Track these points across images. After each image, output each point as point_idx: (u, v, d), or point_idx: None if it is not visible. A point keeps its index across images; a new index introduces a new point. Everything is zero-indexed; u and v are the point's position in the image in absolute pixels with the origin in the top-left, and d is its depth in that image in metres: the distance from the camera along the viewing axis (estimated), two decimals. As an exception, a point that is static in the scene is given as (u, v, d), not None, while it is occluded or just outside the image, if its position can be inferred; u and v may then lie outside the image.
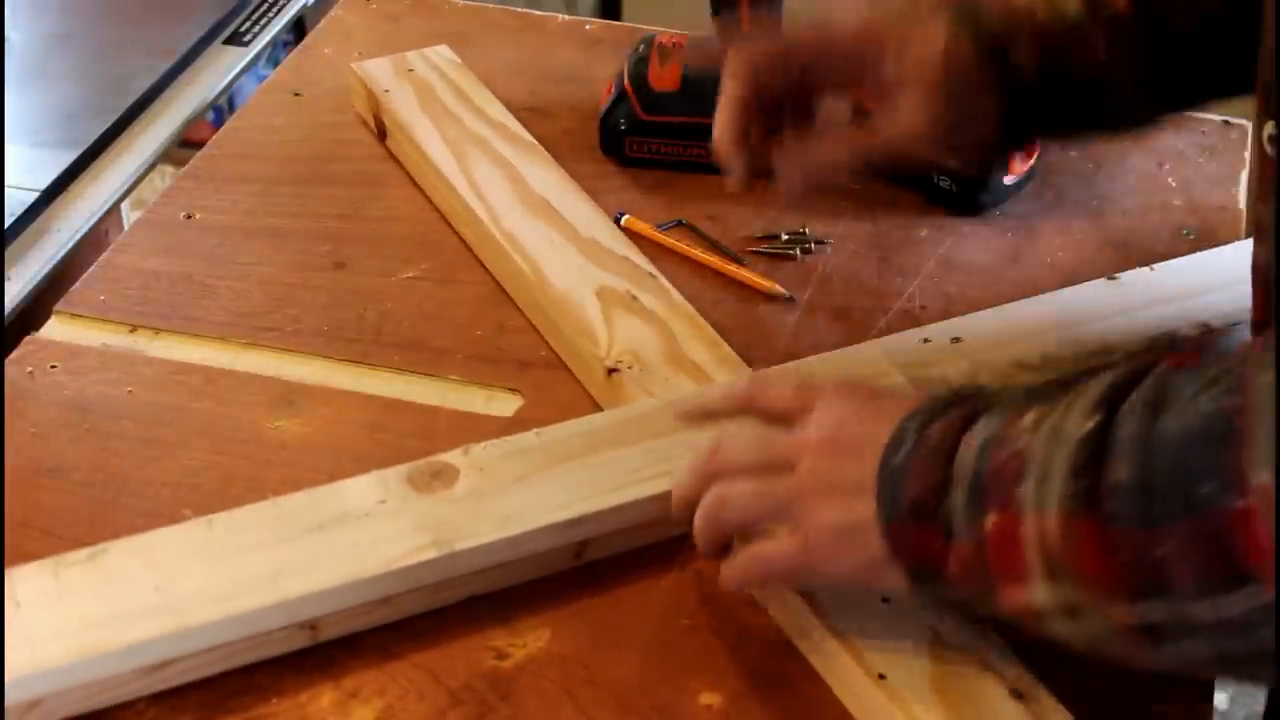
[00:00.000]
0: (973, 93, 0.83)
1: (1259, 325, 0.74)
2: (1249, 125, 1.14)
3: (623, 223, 1.08)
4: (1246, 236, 0.75)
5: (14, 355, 0.97)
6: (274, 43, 1.36)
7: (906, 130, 0.83)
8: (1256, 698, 1.86)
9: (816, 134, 0.86)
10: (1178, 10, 0.83)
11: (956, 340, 0.93)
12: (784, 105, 0.86)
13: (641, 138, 1.14)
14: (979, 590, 0.68)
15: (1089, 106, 0.85)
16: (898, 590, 0.73)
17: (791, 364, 0.92)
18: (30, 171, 1.14)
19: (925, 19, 0.83)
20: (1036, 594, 0.66)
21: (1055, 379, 0.70)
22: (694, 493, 0.77)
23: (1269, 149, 0.69)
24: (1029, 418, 0.67)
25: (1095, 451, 0.63)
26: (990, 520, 0.66)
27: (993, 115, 0.83)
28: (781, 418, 0.77)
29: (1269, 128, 0.69)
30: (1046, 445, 0.65)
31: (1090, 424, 0.63)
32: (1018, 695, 0.73)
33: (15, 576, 0.76)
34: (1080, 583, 0.64)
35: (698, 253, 1.06)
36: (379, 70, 1.18)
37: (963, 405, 0.71)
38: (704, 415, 0.83)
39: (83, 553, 0.77)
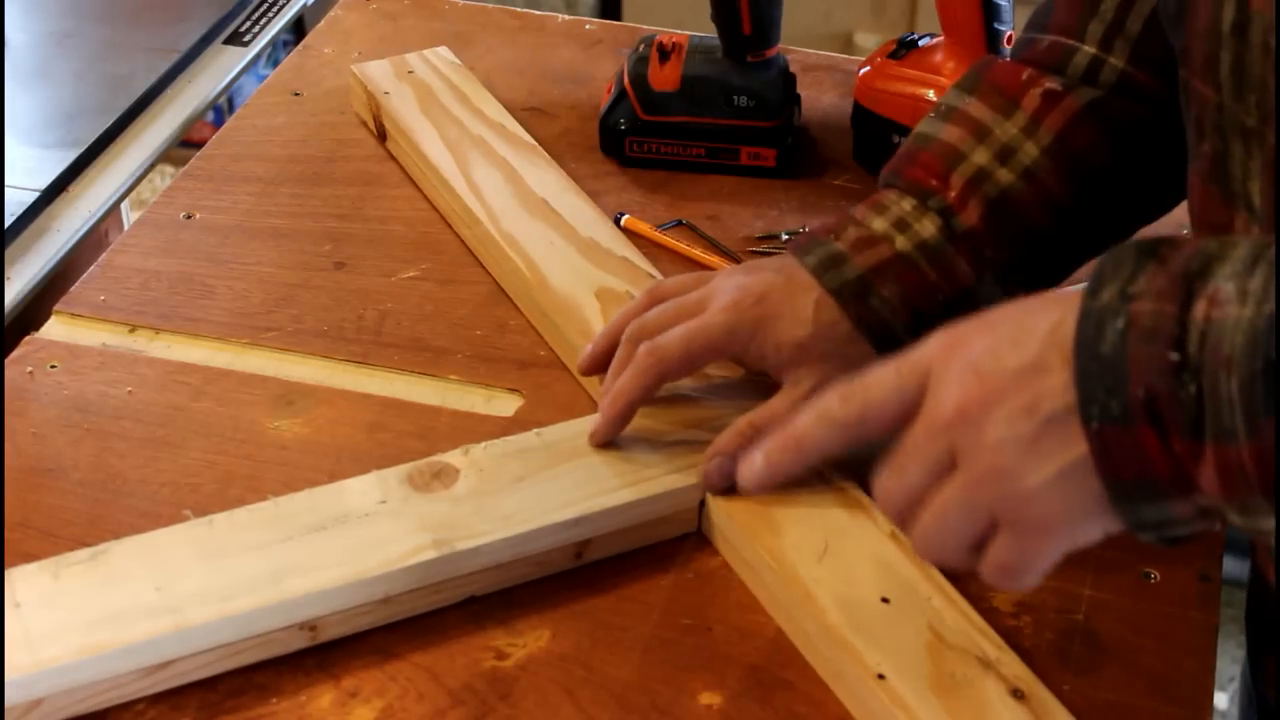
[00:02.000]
0: (850, 348, 0.84)
1: None
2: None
3: (623, 223, 1.08)
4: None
5: (14, 355, 0.97)
6: (274, 43, 1.36)
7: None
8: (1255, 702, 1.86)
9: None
10: (1030, 209, 0.85)
11: (956, 340, 0.93)
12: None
13: (641, 138, 1.14)
14: (1242, 499, 0.59)
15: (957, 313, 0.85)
16: (1086, 515, 0.64)
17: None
18: (30, 171, 1.14)
19: (790, 291, 0.84)
20: None
21: (1269, 246, 0.59)
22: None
23: None
24: None
25: None
26: None
27: (867, 349, 0.84)
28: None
29: None
30: None
31: None
32: (1018, 695, 0.73)
33: (15, 576, 0.76)
34: None
35: (698, 253, 1.06)
36: (379, 72, 1.18)
37: (1164, 259, 0.61)
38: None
39: (83, 553, 0.77)
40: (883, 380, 0.69)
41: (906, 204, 0.86)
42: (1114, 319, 0.60)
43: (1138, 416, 0.59)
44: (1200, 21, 0.69)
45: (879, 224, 0.86)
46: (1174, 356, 0.58)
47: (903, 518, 0.69)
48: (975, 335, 0.66)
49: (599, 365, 0.88)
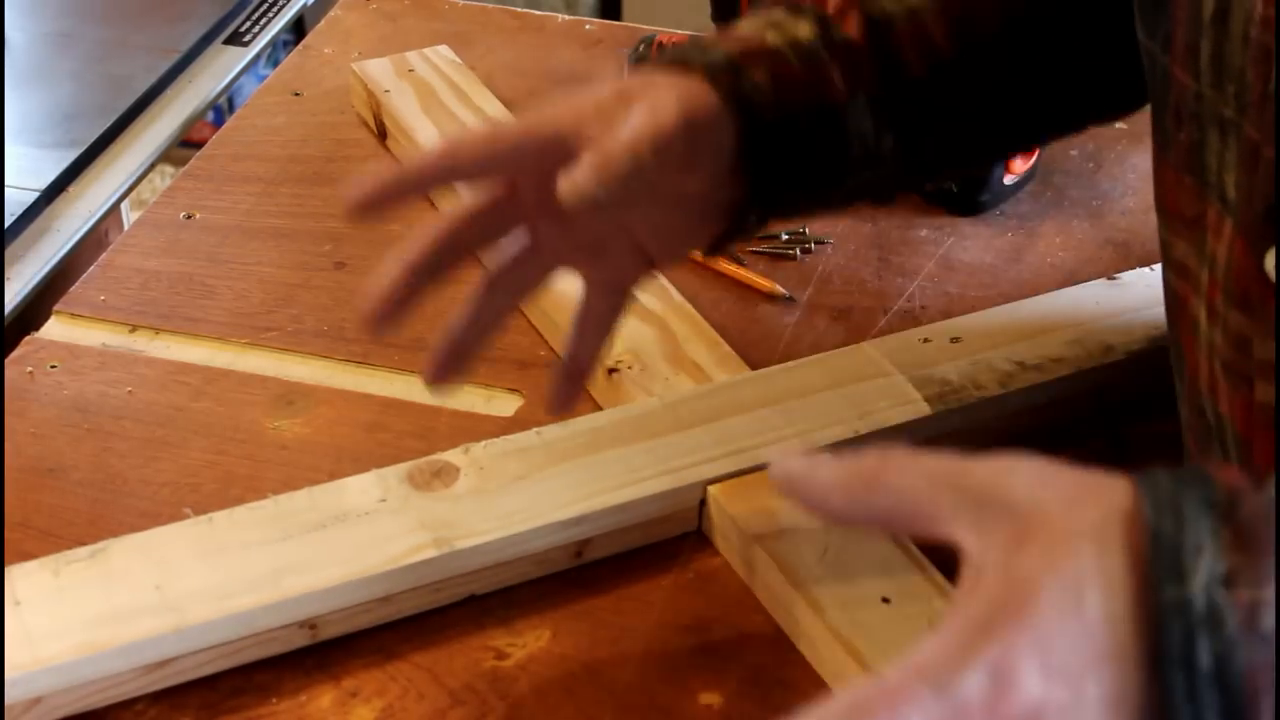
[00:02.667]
0: (703, 93, 0.75)
1: (1263, 470, 0.65)
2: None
3: (623, 223, 1.08)
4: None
5: (14, 355, 0.97)
6: (274, 43, 1.36)
7: (638, 125, 0.72)
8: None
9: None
10: (907, 49, 0.80)
11: (956, 340, 0.93)
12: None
13: (641, 138, 1.14)
14: None
15: (831, 143, 0.79)
16: None
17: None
18: (30, 171, 1.15)
19: (649, 78, 0.75)
20: None
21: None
22: None
23: (1273, 277, 0.64)
24: None
25: None
26: None
27: (727, 121, 0.75)
28: None
29: (1273, 255, 0.63)
30: None
31: None
32: (1018, 695, 0.73)
33: (15, 574, 0.76)
34: None
35: (697, 253, 1.06)
36: (379, 71, 1.18)
37: (1236, 537, 0.48)
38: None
39: (83, 551, 0.77)
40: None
41: (777, 11, 0.79)
42: (1213, 628, 0.46)
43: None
44: (1182, 9, 0.68)
45: (747, 26, 0.78)
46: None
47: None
48: (1055, 619, 0.50)
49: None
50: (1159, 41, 0.70)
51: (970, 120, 0.84)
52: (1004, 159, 0.86)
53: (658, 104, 0.73)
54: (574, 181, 0.70)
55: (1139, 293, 0.98)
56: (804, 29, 0.78)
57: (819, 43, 0.78)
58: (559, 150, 0.73)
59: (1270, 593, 0.47)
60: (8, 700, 0.71)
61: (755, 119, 0.76)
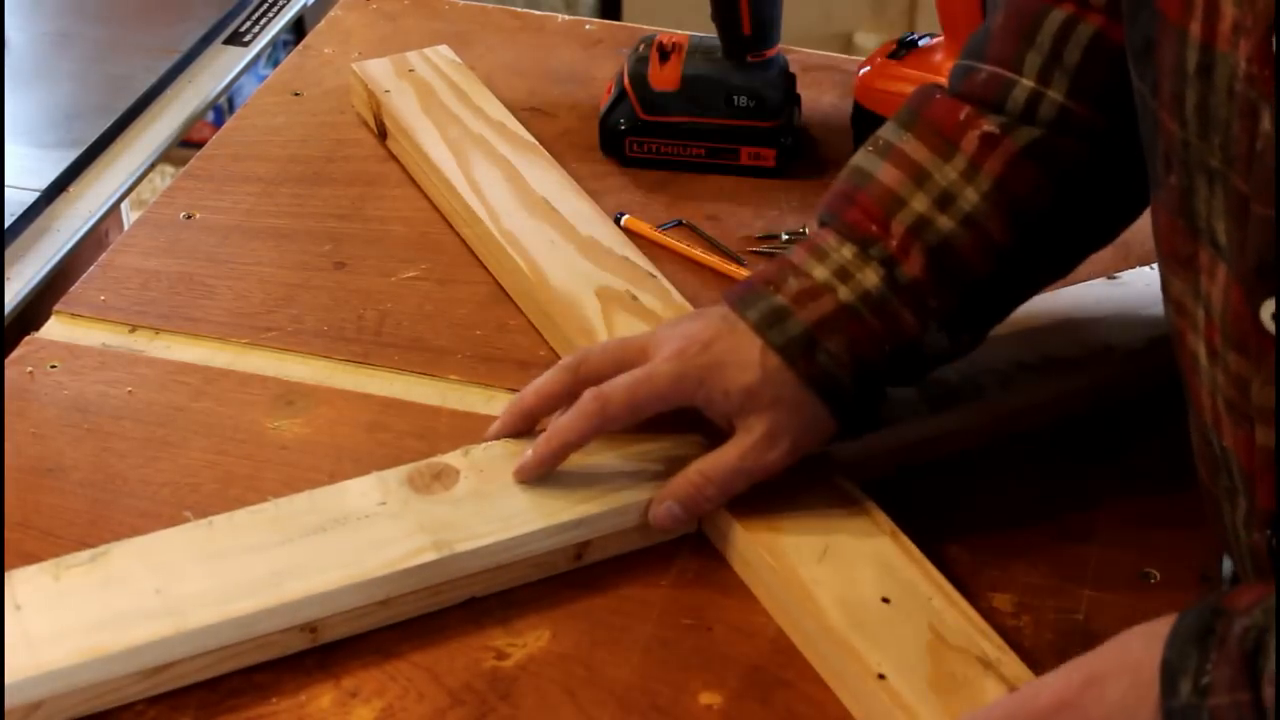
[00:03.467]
0: (802, 408, 0.83)
1: (1266, 513, 0.70)
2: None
3: (623, 223, 1.08)
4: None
5: (14, 355, 0.97)
6: (274, 43, 1.36)
7: (755, 459, 0.82)
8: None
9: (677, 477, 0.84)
10: (971, 257, 0.83)
11: (956, 340, 0.93)
12: None
13: (641, 138, 1.14)
14: None
15: (909, 367, 0.85)
16: None
17: None
18: (30, 171, 1.15)
19: (734, 346, 0.83)
20: None
21: None
22: None
23: (1270, 328, 0.66)
24: None
25: None
26: None
27: (824, 414, 0.83)
28: None
29: (1270, 306, 0.66)
30: None
31: None
32: (1018, 696, 0.73)
33: (16, 578, 0.76)
34: None
35: (698, 253, 1.06)
36: (379, 70, 1.18)
37: (1222, 652, 0.63)
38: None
39: (83, 555, 0.77)
40: None
41: (847, 251, 0.84)
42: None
43: None
44: (1167, 59, 0.68)
45: (820, 272, 0.84)
46: None
47: None
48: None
49: (507, 433, 0.87)
50: (1148, 85, 0.71)
51: (1029, 281, 0.88)
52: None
53: (771, 447, 0.82)
54: (663, 516, 0.83)
55: (1139, 293, 0.98)
56: (871, 278, 0.83)
57: (887, 289, 0.83)
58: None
59: (1245, 694, 0.60)
60: (8, 705, 0.71)
61: (836, 390, 0.83)
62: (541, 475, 0.83)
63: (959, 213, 0.83)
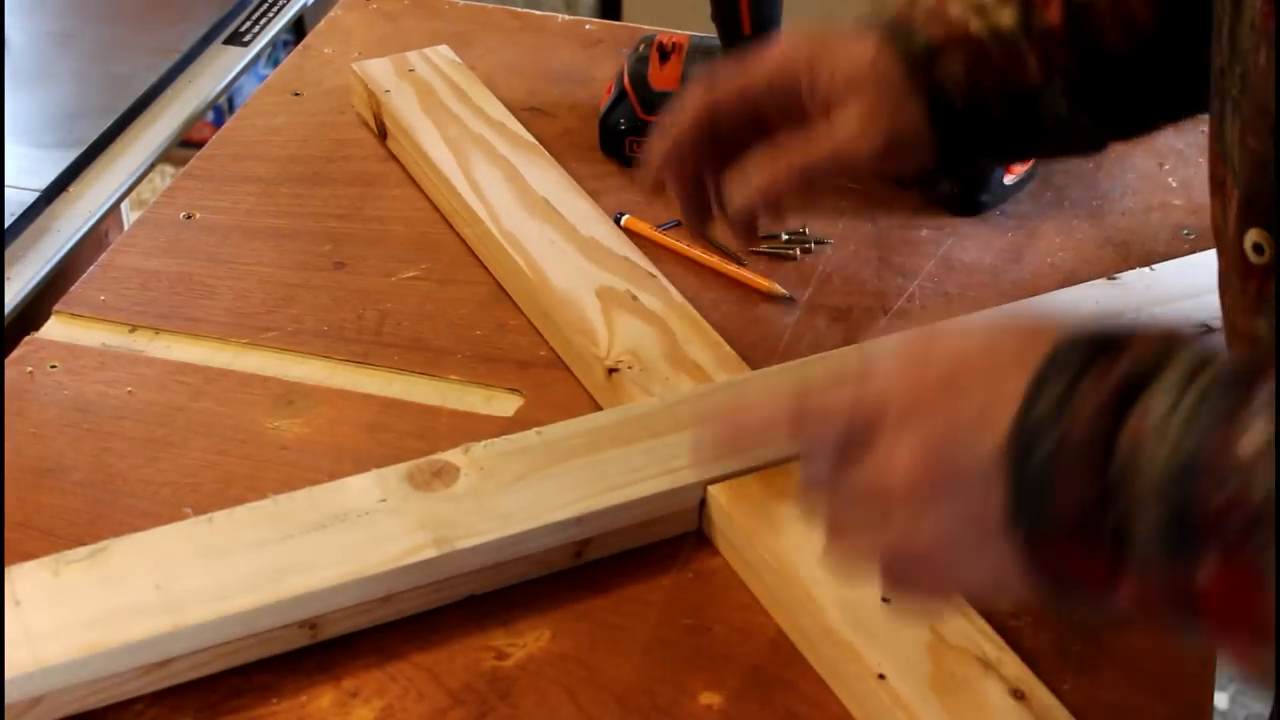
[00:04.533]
0: (904, 103, 0.81)
1: None
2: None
3: (623, 223, 1.08)
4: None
5: (14, 355, 0.97)
6: (274, 43, 1.36)
7: (846, 140, 0.81)
8: (1256, 698, 1.86)
9: (758, 156, 0.83)
10: (1109, 27, 0.82)
11: (957, 340, 0.93)
12: (727, 145, 0.85)
13: (641, 138, 1.14)
14: (1157, 619, 0.59)
15: (1023, 123, 0.84)
16: (1009, 588, 0.63)
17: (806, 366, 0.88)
18: (30, 171, 1.14)
19: (851, 37, 0.83)
20: (1270, 657, 0.56)
21: (1215, 359, 0.57)
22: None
23: (1253, 259, 0.68)
24: (1247, 445, 0.54)
25: None
26: (1205, 565, 0.55)
27: (925, 127, 0.82)
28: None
29: (1253, 235, 0.67)
30: None
31: None
32: (1018, 695, 0.73)
33: (15, 574, 0.76)
34: None
35: (698, 253, 1.06)
36: (380, 70, 1.18)
37: (1106, 367, 0.58)
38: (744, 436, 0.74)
39: (83, 551, 0.77)
40: (836, 404, 0.66)
41: None
42: (1044, 440, 0.58)
43: (1062, 535, 0.58)
44: None
45: (956, 8, 0.84)
46: (1097, 485, 0.57)
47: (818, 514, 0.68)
48: (938, 395, 0.62)
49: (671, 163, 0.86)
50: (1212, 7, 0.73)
51: (1163, 90, 0.85)
52: (1173, 122, 0.90)
53: (865, 130, 0.81)
54: (743, 199, 0.82)
55: (1139, 293, 0.98)
56: (1006, 16, 0.82)
57: (1019, 29, 0.82)
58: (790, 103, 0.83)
59: (1101, 428, 0.57)
60: (7, 700, 0.71)
61: (946, 108, 0.81)
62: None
63: None
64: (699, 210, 0.87)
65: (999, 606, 0.72)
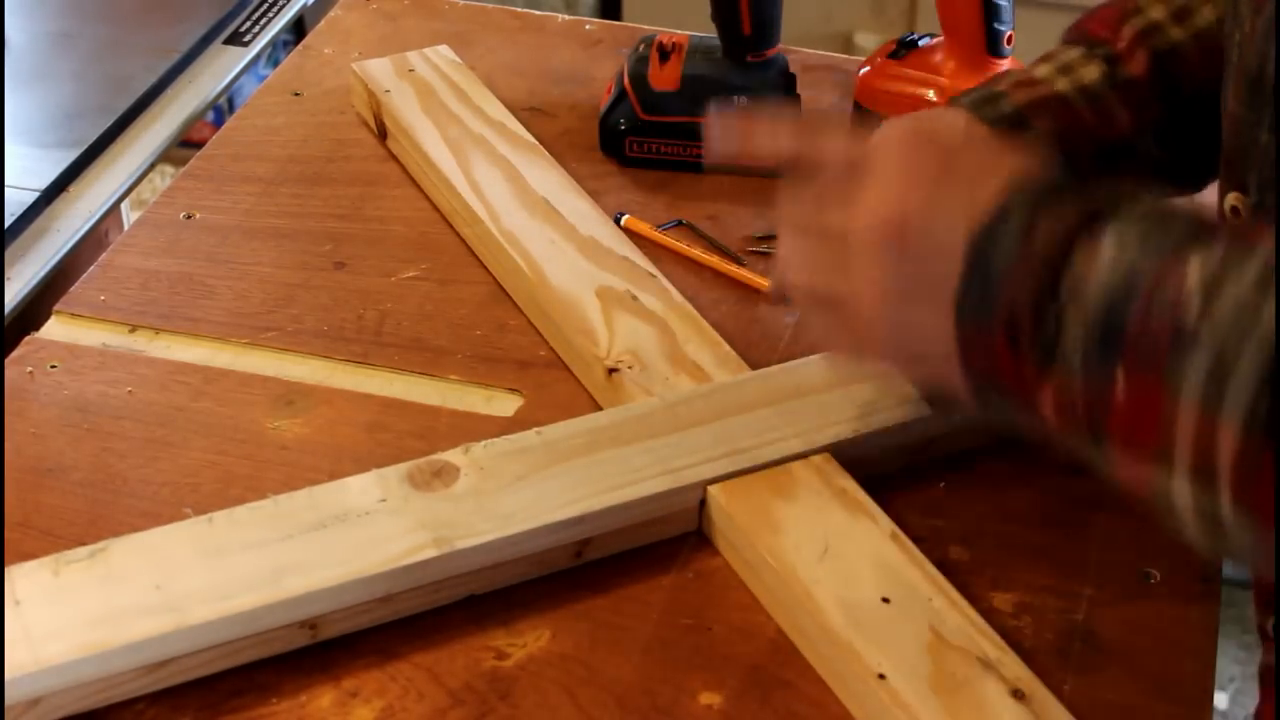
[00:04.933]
0: None
1: None
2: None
3: (623, 223, 1.08)
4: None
5: (14, 355, 0.97)
6: (274, 43, 1.36)
7: None
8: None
9: None
10: (1195, 69, 0.84)
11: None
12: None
13: (641, 138, 1.14)
14: (1070, 432, 0.63)
15: (1117, 173, 0.85)
16: (935, 368, 0.69)
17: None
18: (30, 171, 1.14)
19: (943, 113, 0.83)
20: (1169, 485, 0.60)
21: (1178, 210, 0.62)
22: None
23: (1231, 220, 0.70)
24: (1191, 274, 0.58)
25: None
26: (1122, 381, 0.59)
27: None
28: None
29: (1230, 199, 0.69)
30: (1230, 335, 0.56)
31: None
32: (1018, 695, 0.73)
33: (15, 574, 0.76)
34: (1242, 509, 0.58)
35: (698, 253, 1.06)
36: (380, 70, 1.18)
37: (1078, 200, 0.63)
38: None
39: (83, 550, 0.77)
40: (836, 148, 0.72)
41: (1073, 52, 0.85)
42: (1012, 234, 0.63)
43: (998, 329, 0.63)
44: None
45: (1042, 70, 0.85)
46: (1045, 296, 0.62)
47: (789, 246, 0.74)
48: (933, 166, 0.67)
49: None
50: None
51: None
52: None
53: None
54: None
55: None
56: (1091, 73, 0.84)
57: (1105, 84, 0.84)
58: None
59: (1063, 240, 0.62)
60: (7, 700, 0.71)
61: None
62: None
63: (1193, 26, 0.84)
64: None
65: (917, 385, 0.77)
